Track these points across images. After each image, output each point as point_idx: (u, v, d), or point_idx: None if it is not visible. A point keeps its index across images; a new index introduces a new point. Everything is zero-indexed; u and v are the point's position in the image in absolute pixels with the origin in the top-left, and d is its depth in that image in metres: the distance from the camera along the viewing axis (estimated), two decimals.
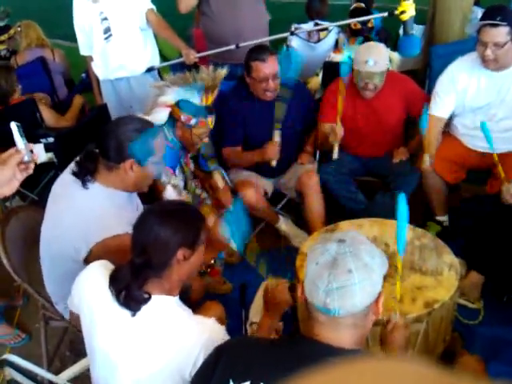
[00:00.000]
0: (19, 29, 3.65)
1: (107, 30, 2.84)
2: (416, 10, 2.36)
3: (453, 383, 0.34)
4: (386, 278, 1.09)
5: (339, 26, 3.53)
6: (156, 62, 3.03)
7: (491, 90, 2.32)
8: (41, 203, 1.79)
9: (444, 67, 2.45)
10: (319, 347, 1.03)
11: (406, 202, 1.42)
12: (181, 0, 2.87)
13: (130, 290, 1.25)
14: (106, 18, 2.82)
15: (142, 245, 1.28)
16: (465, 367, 1.56)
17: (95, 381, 1.39)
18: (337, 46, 3.61)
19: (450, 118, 2.49)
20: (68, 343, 2.19)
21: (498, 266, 2.11)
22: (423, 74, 3.17)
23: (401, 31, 3.86)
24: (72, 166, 1.66)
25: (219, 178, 2.43)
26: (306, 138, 2.78)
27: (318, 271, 1.02)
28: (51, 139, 2.68)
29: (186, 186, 2.33)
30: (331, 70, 3.00)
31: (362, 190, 2.67)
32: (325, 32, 3.59)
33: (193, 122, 2.15)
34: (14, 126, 1.22)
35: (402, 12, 2.31)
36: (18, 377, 1.51)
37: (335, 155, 2.47)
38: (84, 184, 1.61)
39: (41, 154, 1.34)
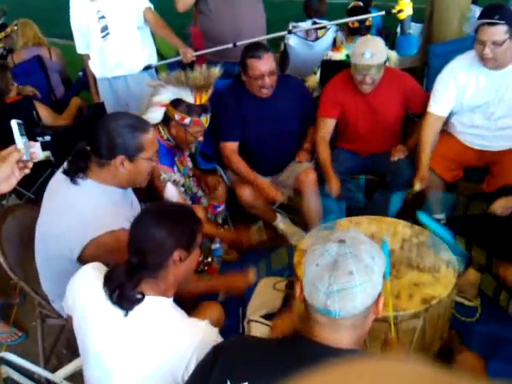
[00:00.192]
0: (16, 27, 3.65)
1: (104, 29, 2.84)
2: (414, 8, 2.36)
3: (451, 383, 0.34)
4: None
5: (337, 25, 3.53)
6: (153, 60, 3.03)
7: (490, 89, 2.31)
8: (37, 201, 1.78)
9: (442, 66, 2.45)
10: (318, 348, 1.03)
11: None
12: None
13: (123, 289, 1.24)
14: (103, 17, 2.82)
15: (138, 245, 1.28)
16: (464, 364, 1.55)
17: (88, 380, 1.38)
18: (335, 45, 3.62)
19: (448, 116, 2.49)
20: (64, 341, 2.19)
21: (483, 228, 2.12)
22: (421, 73, 3.17)
23: (398, 30, 3.89)
24: (64, 164, 1.66)
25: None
26: (304, 135, 2.77)
27: (319, 273, 1.01)
28: (48, 138, 2.68)
29: (182, 184, 2.33)
30: (329, 69, 3.01)
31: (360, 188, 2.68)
32: (323, 30, 3.59)
33: (187, 121, 2.15)
34: (14, 123, 1.21)
35: (400, 11, 2.31)
36: (15, 375, 1.51)
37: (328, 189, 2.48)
38: (73, 181, 1.60)
39: (38, 152, 1.33)
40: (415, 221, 2.07)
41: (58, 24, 4.26)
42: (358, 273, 0.99)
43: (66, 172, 1.62)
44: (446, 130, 2.56)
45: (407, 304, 1.58)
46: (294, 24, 3.49)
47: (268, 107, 2.54)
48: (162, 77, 2.21)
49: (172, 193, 2.15)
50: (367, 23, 3.53)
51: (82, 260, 1.52)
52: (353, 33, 3.54)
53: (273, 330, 1.57)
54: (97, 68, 3.00)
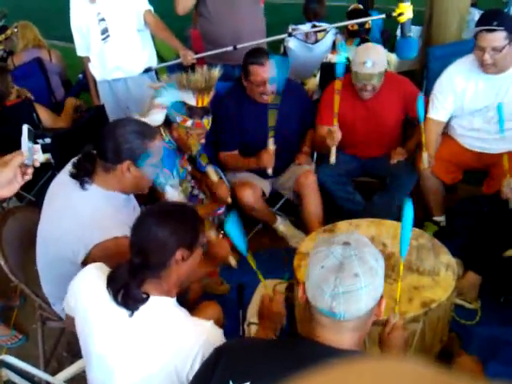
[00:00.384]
0: (16, 29, 3.65)
1: (105, 31, 2.84)
2: (413, 11, 2.36)
3: (451, 383, 0.34)
4: (384, 278, 1.09)
5: (337, 28, 3.54)
6: (153, 62, 3.03)
7: (489, 93, 2.31)
8: (38, 204, 1.79)
9: (441, 68, 2.45)
10: (319, 348, 1.03)
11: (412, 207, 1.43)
12: (178, 1, 2.87)
13: (128, 289, 1.25)
14: (103, 19, 2.82)
15: (140, 245, 1.28)
16: (463, 367, 1.56)
17: (91, 382, 1.38)
18: (334, 47, 3.62)
19: (448, 119, 2.50)
20: (65, 344, 2.19)
21: (495, 266, 2.11)
22: (420, 75, 3.17)
23: (398, 33, 3.90)
24: (69, 167, 1.66)
25: (212, 172, 2.42)
26: (304, 138, 2.78)
27: (324, 275, 1.01)
28: (48, 140, 2.68)
29: (180, 187, 2.33)
30: (329, 71, 3.01)
31: (359, 191, 2.68)
32: (322, 33, 3.59)
33: (189, 123, 2.15)
34: (25, 128, 1.23)
35: (400, 14, 2.32)
36: (15, 378, 1.51)
37: (332, 160, 2.43)
38: (82, 185, 1.61)
39: (38, 154, 1.34)
40: (415, 223, 2.07)
41: (58, 26, 4.26)
42: (363, 275, 1.00)
43: (73, 175, 1.62)
44: (445, 133, 2.56)
45: (407, 308, 1.58)
46: (294, 27, 3.50)
47: (267, 112, 2.54)
48: (163, 79, 2.21)
49: (172, 194, 2.15)
50: (367, 26, 3.54)
51: (86, 265, 1.52)
52: (352, 35, 3.55)
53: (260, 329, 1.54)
54: (97, 70, 3.00)
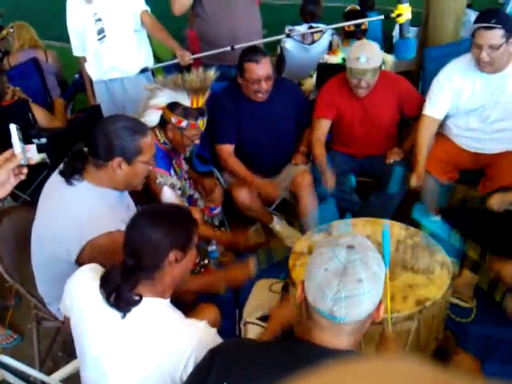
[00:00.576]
0: (12, 30, 3.64)
1: (101, 31, 2.84)
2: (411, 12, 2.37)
3: (449, 382, 0.34)
4: None
5: (333, 28, 3.55)
6: (150, 63, 3.03)
7: (486, 93, 2.32)
8: (33, 204, 1.78)
9: (437, 69, 2.46)
10: (316, 349, 1.03)
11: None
12: (175, 2, 2.87)
13: (120, 291, 1.24)
14: (99, 19, 2.82)
15: (133, 246, 1.28)
16: (460, 365, 1.56)
17: (84, 382, 1.38)
18: (331, 48, 3.64)
19: (444, 119, 2.51)
20: (60, 343, 2.18)
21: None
22: (417, 76, 3.18)
23: (394, 33, 3.91)
24: (61, 166, 1.66)
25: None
26: (300, 138, 2.78)
27: (327, 278, 1.01)
28: (44, 140, 2.67)
29: (179, 188, 2.33)
30: (325, 72, 3.02)
31: (356, 191, 2.68)
32: (319, 34, 3.61)
33: (183, 124, 2.15)
34: (13, 128, 1.21)
35: (399, 15, 2.32)
36: (11, 378, 1.51)
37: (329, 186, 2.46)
38: (68, 182, 1.60)
39: (33, 154, 1.33)
40: (410, 222, 2.08)
41: (54, 26, 4.26)
42: (367, 281, 1.00)
43: (62, 173, 1.62)
44: (441, 133, 2.57)
45: (401, 306, 1.59)
46: (291, 28, 3.51)
47: (264, 110, 2.55)
48: (158, 80, 2.21)
49: (169, 196, 2.15)
50: (363, 27, 3.55)
51: (80, 262, 1.52)
52: (349, 36, 3.56)
53: (270, 318, 1.56)
54: (93, 70, 3.00)
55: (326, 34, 3.63)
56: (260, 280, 2.31)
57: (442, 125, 2.54)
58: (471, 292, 2.21)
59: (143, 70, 2.96)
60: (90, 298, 1.30)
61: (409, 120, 2.71)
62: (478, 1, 4.42)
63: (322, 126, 2.63)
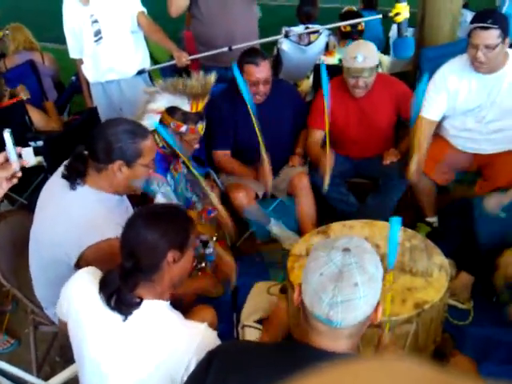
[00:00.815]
0: (7, 32, 3.63)
1: (98, 33, 2.83)
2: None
3: (449, 382, 0.34)
4: None
5: (329, 29, 3.55)
6: (147, 64, 3.02)
7: (482, 93, 2.33)
8: (30, 207, 1.77)
9: (434, 69, 2.46)
10: (314, 352, 1.03)
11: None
12: (171, 3, 2.86)
13: (120, 293, 1.24)
14: (96, 21, 2.81)
15: (130, 248, 1.27)
16: (457, 367, 1.56)
17: None
18: (327, 49, 3.63)
19: (440, 120, 2.51)
20: (58, 348, 2.17)
21: (487, 266, 2.12)
22: (413, 77, 3.19)
23: (391, 34, 3.91)
24: (62, 169, 1.65)
25: (213, 197, 2.37)
26: (297, 139, 2.78)
27: (323, 283, 1.00)
28: (40, 143, 2.66)
29: (175, 191, 2.32)
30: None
31: (353, 192, 2.68)
32: (315, 35, 3.60)
33: (183, 129, 2.15)
34: (7, 134, 1.20)
35: (397, 14, 2.32)
36: (7, 383, 1.50)
37: (326, 186, 2.38)
38: (73, 186, 1.60)
39: (30, 157, 1.33)
40: (408, 224, 2.07)
41: (50, 28, 4.24)
42: (362, 285, 0.99)
43: (65, 176, 1.61)
44: (437, 134, 2.57)
45: (400, 309, 1.59)
46: (287, 29, 3.50)
47: (261, 112, 2.54)
48: (158, 84, 2.20)
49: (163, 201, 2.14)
50: (360, 27, 3.55)
51: (80, 266, 1.51)
52: (345, 37, 3.55)
53: (268, 321, 1.56)
54: (90, 72, 2.99)
55: (322, 35, 3.63)
56: (258, 282, 2.31)
57: (439, 126, 2.55)
58: (468, 293, 2.21)
59: (140, 72, 2.95)
60: (88, 301, 1.30)
61: (405, 122, 2.71)
62: (475, 1, 4.42)
63: (317, 135, 2.64)
